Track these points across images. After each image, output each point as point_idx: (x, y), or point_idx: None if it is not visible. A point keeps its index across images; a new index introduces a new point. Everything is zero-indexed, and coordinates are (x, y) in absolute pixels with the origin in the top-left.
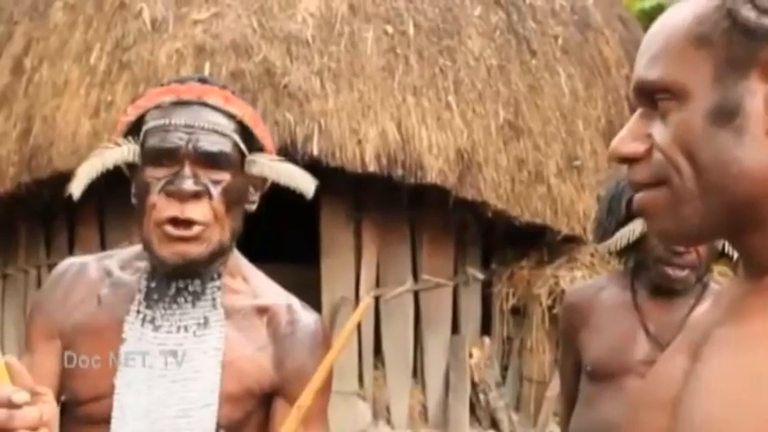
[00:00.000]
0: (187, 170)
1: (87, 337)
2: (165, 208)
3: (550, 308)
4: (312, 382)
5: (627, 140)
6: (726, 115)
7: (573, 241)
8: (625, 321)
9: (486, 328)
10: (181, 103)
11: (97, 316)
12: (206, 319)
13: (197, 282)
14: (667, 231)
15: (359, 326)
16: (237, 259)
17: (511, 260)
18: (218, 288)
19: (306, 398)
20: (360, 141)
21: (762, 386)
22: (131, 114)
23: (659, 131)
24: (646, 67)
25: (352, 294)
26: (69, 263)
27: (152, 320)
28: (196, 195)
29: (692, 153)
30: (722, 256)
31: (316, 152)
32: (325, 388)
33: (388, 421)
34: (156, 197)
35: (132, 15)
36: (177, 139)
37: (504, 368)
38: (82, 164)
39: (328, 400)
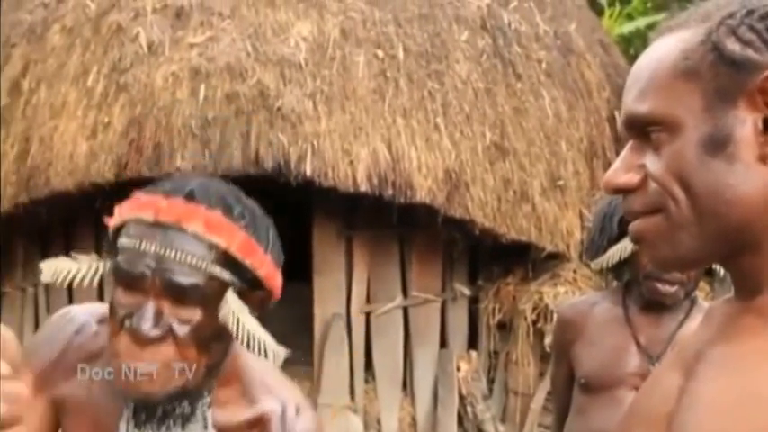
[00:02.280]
0: (150, 306)
1: (81, 421)
2: (122, 347)
3: (535, 322)
4: None
5: (620, 172)
6: (717, 144)
7: (556, 258)
8: (617, 335)
9: (473, 343)
10: (158, 225)
11: (87, 411)
12: None
13: (185, 403)
14: (665, 258)
15: (350, 341)
16: (236, 359)
17: (497, 277)
18: (209, 405)
19: None
20: (351, 162)
21: (755, 404)
22: (115, 220)
23: (652, 162)
24: (635, 102)
25: (344, 310)
26: (68, 318)
27: None
28: (155, 339)
29: (686, 182)
30: (708, 273)
31: (309, 172)
32: None
33: None
34: (117, 327)
35: (129, 39)
36: (144, 267)
37: (491, 381)
38: (47, 265)
39: None
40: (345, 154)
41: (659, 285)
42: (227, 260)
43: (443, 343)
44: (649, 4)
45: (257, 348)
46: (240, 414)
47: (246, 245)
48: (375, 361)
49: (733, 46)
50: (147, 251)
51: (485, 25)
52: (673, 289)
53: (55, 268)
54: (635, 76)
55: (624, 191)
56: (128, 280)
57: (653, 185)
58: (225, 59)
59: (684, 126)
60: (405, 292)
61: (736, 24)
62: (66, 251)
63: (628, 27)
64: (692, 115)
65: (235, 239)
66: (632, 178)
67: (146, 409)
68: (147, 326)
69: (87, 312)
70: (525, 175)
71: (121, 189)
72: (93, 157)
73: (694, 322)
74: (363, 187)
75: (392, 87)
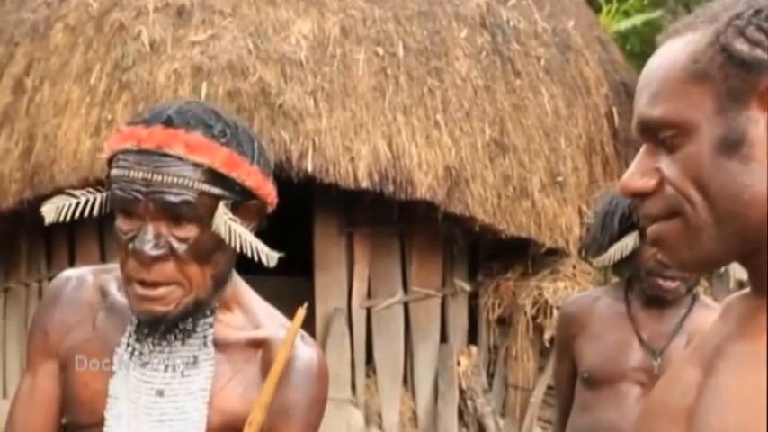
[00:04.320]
0: (149, 229)
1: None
2: (132, 268)
3: (534, 317)
4: (261, 395)
5: (636, 176)
6: (732, 145)
7: (556, 254)
8: (620, 330)
9: (473, 338)
10: (142, 152)
11: (91, 342)
12: (195, 358)
13: (188, 320)
14: (685, 260)
15: (351, 336)
16: (237, 288)
17: (497, 272)
18: (211, 325)
19: (257, 413)
20: (352, 159)
21: None
22: (106, 153)
23: (667, 166)
24: (647, 106)
25: (345, 305)
26: (66, 277)
27: (140, 355)
28: (158, 259)
29: (702, 184)
30: None
31: (310, 169)
32: (313, 425)
33: (380, 427)
34: (123, 253)
35: (131, 37)
36: (136, 193)
37: (491, 375)
38: (47, 206)
39: None
40: (346, 151)
41: (661, 281)
42: (213, 176)
43: (444, 338)
44: (646, 1)
45: (250, 252)
46: (242, 333)
47: (230, 159)
48: (376, 356)
49: (742, 47)
50: (135, 178)
51: (484, 23)
52: (674, 284)
53: (56, 206)
54: (646, 79)
55: (641, 195)
56: (124, 207)
57: (669, 189)
58: (226, 57)
59: (698, 129)
60: (405, 288)
61: (743, 25)
62: (70, 247)
63: (624, 24)
64: (705, 118)
65: (217, 156)
66: (648, 182)
67: (148, 324)
68: (148, 247)
69: (83, 270)
70: (525, 172)
71: None
72: (96, 154)
73: (697, 316)
74: (364, 184)
75: (392, 84)
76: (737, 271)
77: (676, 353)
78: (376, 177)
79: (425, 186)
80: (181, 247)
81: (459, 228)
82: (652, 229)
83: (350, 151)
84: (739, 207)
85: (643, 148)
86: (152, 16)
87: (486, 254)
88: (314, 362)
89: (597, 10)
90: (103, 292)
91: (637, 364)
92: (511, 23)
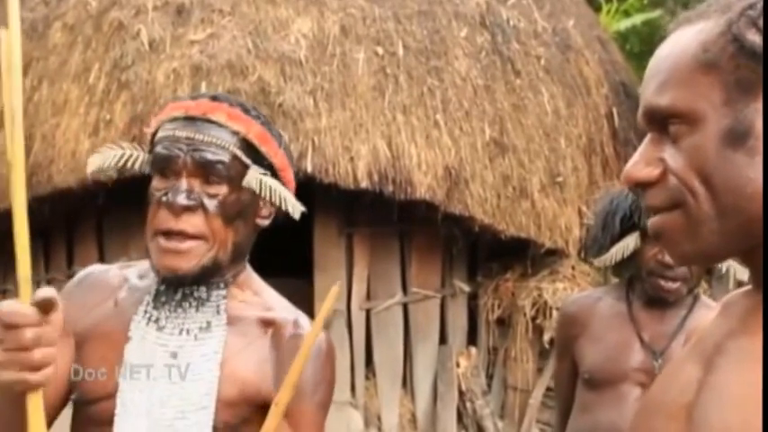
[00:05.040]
0: (183, 183)
1: (99, 339)
2: (160, 219)
3: (534, 318)
4: (289, 376)
5: (640, 165)
6: (738, 137)
7: (555, 254)
8: (620, 331)
9: (472, 339)
10: (188, 118)
11: (111, 318)
12: (208, 323)
13: (202, 288)
14: (685, 253)
15: (351, 337)
16: (249, 275)
17: (496, 273)
18: (224, 297)
19: (283, 394)
20: (352, 158)
21: None
22: (152, 126)
23: (672, 155)
24: (655, 94)
25: (345, 307)
26: (93, 267)
27: (156, 320)
28: (188, 208)
29: (706, 176)
30: (706, 271)
31: (309, 169)
32: (322, 404)
33: (379, 429)
34: (154, 207)
35: (130, 36)
36: (177, 150)
37: (490, 377)
38: (90, 158)
39: (324, 413)
40: (346, 151)
41: (662, 282)
42: (247, 146)
43: (443, 339)
44: (645, 1)
45: (279, 201)
46: (254, 311)
47: (262, 134)
48: (375, 357)
49: (754, 37)
50: (180, 137)
51: (484, 22)
52: (675, 285)
53: (103, 157)
54: (654, 68)
55: (644, 185)
56: (164, 164)
57: (672, 179)
58: (226, 56)
59: (705, 119)
60: (404, 289)
61: (756, 15)
62: (69, 248)
63: (624, 23)
64: (713, 108)
65: (252, 128)
66: (652, 172)
67: (167, 292)
68: (180, 197)
69: (108, 265)
70: (524, 172)
71: (123, 186)
72: (95, 154)
73: (698, 317)
74: (364, 184)
75: (392, 84)
76: (738, 271)
77: (677, 354)
78: (375, 177)
79: (425, 186)
80: (210, 203)
81: (458, 228)
82: (653, 221)
83: (349, 151)
84: (742, 201)
85: (648, 138)
86: (151, 15)
87: (486, 254)
88: (323, 343)
89: (597, 9)
90: (125, 279)
91: (638, 364)
92: (511, 23)
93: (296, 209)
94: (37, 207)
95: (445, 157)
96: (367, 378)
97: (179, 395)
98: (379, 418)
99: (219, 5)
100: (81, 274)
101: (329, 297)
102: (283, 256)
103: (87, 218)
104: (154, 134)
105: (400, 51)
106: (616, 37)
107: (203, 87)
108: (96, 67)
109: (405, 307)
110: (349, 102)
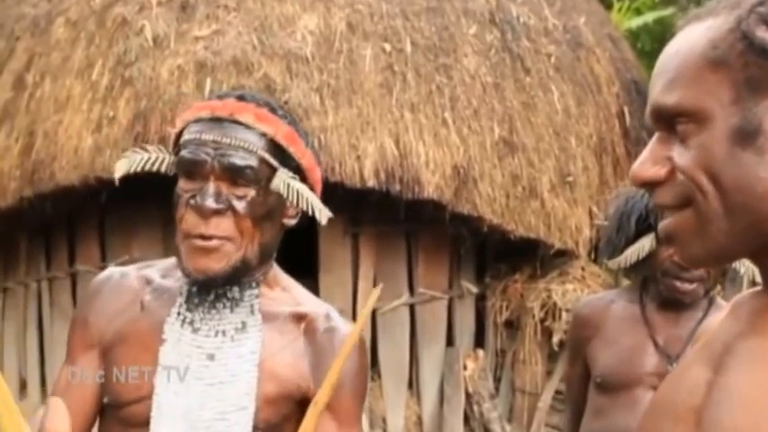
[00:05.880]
0: (211, 186)
1: (130, 342)
2: (189, 223)
3: (543, 321)
4: (329, 376)
5: (647, 164)
6: (747, 136)
7: (565, 255)
8: (634, 334)
9: (479, 341)
10: (215, 120)
11: (140, 321)
12: (243, 324)
13: (235, 289)
14: (696, 255)
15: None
16: (277, 272)
17: (504, 274)
18: (257, 296)
19: (323, 393)
20: (358, 157)
21: None
22: (177, 126)
23: (680, 154)
24: (662, 93)
25: (350, 307)
26: (110, 272)
27: (191, 323)
28: (218, 212)
29: (715, 175)
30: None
31: None
32: (359, 394)
33: (385, 431)
34: (183, 209)
35: (134, 32)
36: (204, 155)
37: (498, 380)
38: (119, 162)
39: (362, 403)
40: (352, 149)
41: (678, 283)
42: (274, 148)
43: (450, 341)
44: None
45: (306, 206)
46: (285, 306)
47: (290, 135)
48: (381, 359)
49: (764, 35)
50: (206, 140)
51: (493, 19)
52: (692, 286)
53: (129, 162)
54: (662, 65)
55: (652, 184)
56: (190, 168)
57: (681, 178)
58: (231, 53)
59: (713, 118)
60: (411, 290)
61: (766, 12)
62: (70, 246)
63: (636, 21)
64: (721, 106)
65: (280, 129)
66: (659, 171)
67: (199, 293)
68: (209, 201)
69: (125, 267)
70: (534, 171)
71: (126, 184)
72: (98, 151)
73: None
74: (370, 182)
75: (400, 81)
76: (751, 272)
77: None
78: (382, 176)
79: (433, 186)
80: (239, 204)
81: (466, 228)
82: (664, 224)
83: (356, 149)
84: (752, 200)
85: (655, 137)
86: (155, 11)
87: (494, 255)
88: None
89: (608, 7)
90: (148, 280)
91: (652, 368)
92: (521, 20)
93: (323, 214)
94: (39, 205)
95: (453, 155)
96: (372, 379)
97: (217, 396)
98: (384, 421)
99: (225, 1)
100: (98, 280)
101: (371, 297)
102: (288, 255)
103: (89, 216)
104: (179, 134)
105: (408, 48)
106: (627, 35)
107: (208, 84)
108: (99, 64)
109: (411, 308)
110: (356, 99)
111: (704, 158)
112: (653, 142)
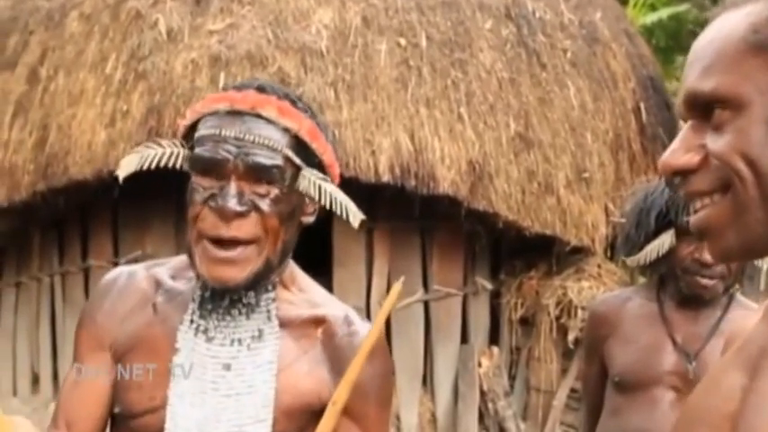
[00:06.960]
0: (233, 186)
1: (143, 347)
2: (208, 224)
3: (558, 318)
4: (347, 375)
5: (679, 153)
6: None
7: (581, 252)
8: (652, 332)
9: (494, 338)
10: (234, 113)
11: (153, 326)
12: (260, 331)
13: (251, 294)
14: (730, 247)
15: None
16: (293, 269)
17: (520, 271)
18: (273, 300)
19: (341, 393)
20: (373, 152)
21: None
22: (188, 118)
23: (714, 141)
24: (698, 79)
25: (364, 303)
26: (118, 272)
27: (205, 331)
28: (240, 214)
29: (752, 161)
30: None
31: None
32: (385, 401)
33: (399, 429)
34: (199, 207)
35: (148, 26)
36: (226, 152)
37: (512, 377)
38: (126, 157)
39: (388, 408)
40: (367, 144)
41: (699, 279)
42: (298, 144)
43: (464, 338)
44: None
45: (339, 209)
46: (303, 311)
47: (313, 130)
48: (395, 355)
49: None
50: (227, 136)
51: (509, 14)
52: (713, 282)
53: (141, 157)
54: (696, 53)
55: (683, 172)
56: (208, 166)
57: (715, 163)
58: (245, 47)
59: (750, 103)
60: (426, 286)
61: None
62: (83, 241)
63: (651, 17)
64: (759, 92)
65: (303, 124)
66: (692, 158)
67: (213, 299)
68: (232, 203)
69: (134, 266)
70: (550, 167)
71: (139, 178)
72: (111, 145)
73: (734, 317)
74: (385, 178)
75: (415, 76)
76: None
77: (712, 356)
78: (397, 171)
79: (448, 181)
80: (263, 203)
81: (481, 224)
82: (696, 217)
83: (371, 144)
84: None
85: (688, 125)
86: (169, 4)
87: (509, 252)
88: (378, 339)
89: (624, 2)
90: (158, 282)
91: (670, 367)
92: (537, 15)
93: (356, 216)
94: (52, 199)
95: (469, 151)
96: None
97: (233, 408)
98: (398, 418)
99: None
100: (107, 279)
101: (391, 294)
102: (302, 250)
103: (102, 210)
104: (192, 127)
105: (423, 43)
106: (642, 31)
107: (222, 78)
108: (113, 57)
109: (426, 304)
110: (371, 94)
111: (741, 144)
112: (685, 130)
